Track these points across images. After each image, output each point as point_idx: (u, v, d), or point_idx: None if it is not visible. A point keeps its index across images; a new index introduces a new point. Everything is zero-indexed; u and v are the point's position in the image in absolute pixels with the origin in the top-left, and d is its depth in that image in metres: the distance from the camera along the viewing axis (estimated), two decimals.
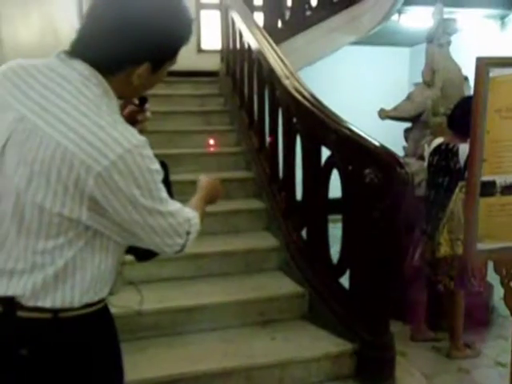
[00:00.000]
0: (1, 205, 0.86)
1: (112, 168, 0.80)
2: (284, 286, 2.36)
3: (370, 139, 1.89)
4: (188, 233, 0.97)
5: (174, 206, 0.94)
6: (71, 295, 0.87)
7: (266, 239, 2.66)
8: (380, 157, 1.83)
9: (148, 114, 1.11)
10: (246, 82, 3.40)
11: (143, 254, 1.07)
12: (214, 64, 4.40)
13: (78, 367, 0.90)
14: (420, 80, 3.39)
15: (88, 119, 0.81)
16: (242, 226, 2.76)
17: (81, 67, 0.86)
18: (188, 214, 0.99)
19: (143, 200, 0.85)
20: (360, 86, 6.16)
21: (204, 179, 1.25)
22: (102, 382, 0.95)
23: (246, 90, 3.40)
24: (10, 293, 0.86)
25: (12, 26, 2.34)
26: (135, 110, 1.08)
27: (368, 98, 5.64)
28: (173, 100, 3.80)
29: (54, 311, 0.86)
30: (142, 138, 0.86)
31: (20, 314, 0.86)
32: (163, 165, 1.12)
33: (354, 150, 1.96)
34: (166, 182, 1.13)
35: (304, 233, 2.40)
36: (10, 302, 0.86)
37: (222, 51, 4.35)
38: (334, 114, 2.10)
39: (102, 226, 0.87)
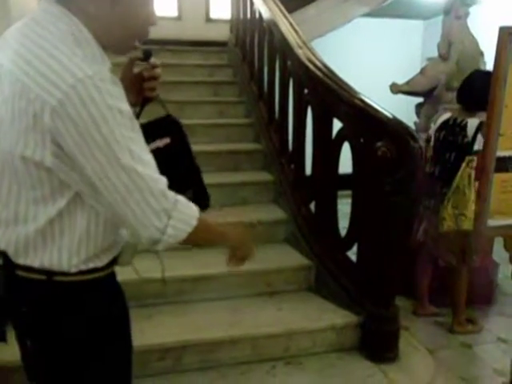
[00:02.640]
0: None
1: (65, 100, 0.74)
2: (291, 258, 2.37)
3: (383, 111, 1.86)
4: (169, 216, 0.83)
5: (152, 170, 0.82)
6: (58, 257, 0.86)
7: (274, 212, 2.66)
8: (393, 129, 1.80)
9: (158, 70, 1.05)
10: (256, 52, 3.33)
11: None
12: (222, 34, 4.31)
13: (72, 334, 0.90)
14: (434, 55, 3.31)
15: (44, 51, 0.77)
16: (250, 198, 2.75)
17: (52, 8, 0.82)
18: (176, 196, 0.86)
19: (103, 143, 0.76)
20: (371, 60, 6.03)
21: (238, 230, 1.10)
22: (98, 351, 0.93)
23: (256, 61, 3.33)
24: (1, 245, 0.88)
25: None
26: (144, 67, 1.03)
27: (379, 72, 5.52)
28: (181, 70, 3.74)
29: (48, 273, 0.86)
30: (101, 71, 0.78)
31: (19, 273, 0.87)
32: (177, 126, 1.08)
33: (366, 122, 1.93)
34: (185, 147, 1.09)
35: (312, 206, 2.39)
36: (7, 257, 0.88)
37: (231, 21, 4.24)
38: (347, 84, 2.05)
39: (74, 183, 0.82)
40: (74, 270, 0.87)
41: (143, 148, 0.82)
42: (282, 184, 2.69)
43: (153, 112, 1.09)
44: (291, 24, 2.58)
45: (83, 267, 0.88)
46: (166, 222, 0.83)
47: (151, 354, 1.81)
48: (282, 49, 2.66)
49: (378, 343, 1.98)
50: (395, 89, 3.36)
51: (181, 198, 0.86)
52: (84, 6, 0.82)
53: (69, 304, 0.89)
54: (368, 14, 4.61)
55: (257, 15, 3.21)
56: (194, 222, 0.87)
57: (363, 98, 1.94)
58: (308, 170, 2.47)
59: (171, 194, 0.85)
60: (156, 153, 1.00)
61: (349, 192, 2.12)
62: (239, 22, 3.89)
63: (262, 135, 3.09)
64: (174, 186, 1.04)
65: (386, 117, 1.85)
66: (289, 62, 2.58)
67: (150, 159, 0.83)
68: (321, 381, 1.85)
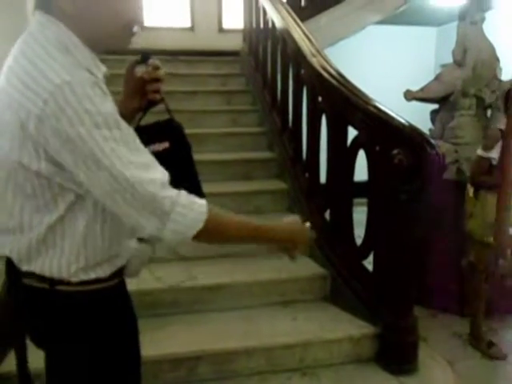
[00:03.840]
0: None
1: (46, 107, 0.73)
2: (306, 267, 2.34)
3: (399, 118, 1.83)
4: (164, 222, 0.80)
5: (142, 171, 0.79)
6: (58, 264, 0.85)
7: None
8: (410, 137, 1.77)
9: (162, 72, 1.02)
10: (269, 61, 3.33)
11: None
12: (235, 44, 4.34)
13: (76, 345, 0.89)
14: (447, 61, 3.27)
15: (27, 60, 0.77)
16: (264, 206, 2.73)
17: (41, 18, 0.82)
18: (178, 198, 0.81)
19: (83, 147, 0.74)
20: (384, 67, 6.01)
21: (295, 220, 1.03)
22: (103, 365, 0.91)
23: (269, 70, 3.34)
24: (6, 251, 0.88)
25: None
26: (145, 70, 1.01)
27: (392, 79, 5.50)
28: (194, 80, 3.77)
29: (50, 281, 0.86)
30: (80, 75, 0.76)
31: (24, 281, 0.88)
32: (179, 131, 1.06)
33: (382, 130, 1.90)
34: (188, 159, 1.07)
35: (327, 214, 2.37)
36: (12, 265, 0.88)
37: (244, 30, 4.27)
38: (361, 92, 2.04)
39: (77, 188, 0.81)
40: (74, 279, 0.86)
41: (134, 148, 0.80)
42: (296, 192, 2.67)
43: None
44: (304, 32, 2.58)
45: (84, 277, 0.87)
46: (167, 217, 0.80)
47: (163, 365, 1.79)
48: (295, 57, 2.66)
49: (396, 354, 1.94)
50: (410, 96, 3.33)
51: (182, 200, 0.82)
52: (62, 8, 0.81)
53: (71, 315, 0.88)
54: (381, 22, 4.59)
55: (270, 24, 3.22)
56: (200, 224, 0.83)
57: (378, 105, 1.92)
58: (322, 179, 2.45)
59: (168, 196, 0.80)
60: (155, 157, 1.00)
61: (363, 200, 2.10)
62: (252, 31, 3.91)
63: (275, 144, 3.09)
64: None
65: (402, 124, 1.82)
66: (302, 71, 2.57)
67: (142, 159, 0.80)
68: None
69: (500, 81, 3.03)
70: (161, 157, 0.96)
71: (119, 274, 0.94)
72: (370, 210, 2.03)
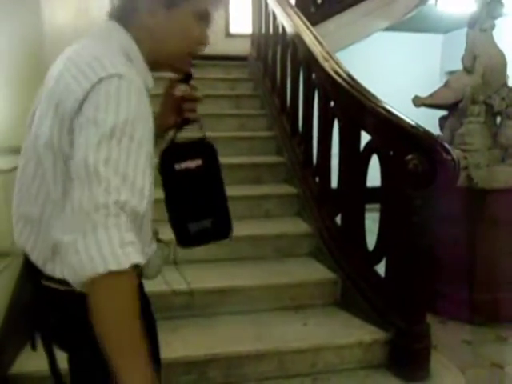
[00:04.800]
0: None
1: (89, 91, 0.74)
2: (316, 271, 2.34)
3: (413, 123, 1.83)
4: (84, 234, 0.66)
5: (120, 183, 0.68)
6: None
7: (298, 225, 2.64)
8: (425, 142, 1.77)
9: (198, 94, 1.05)
10: (278, 66, 3.34)
11: (186, 238, 1.02)
12: (242, 48, 4.35)
13: (97, 346, 0.86)
14: (453, 69, 3.27)
15: (91, 55, 0.79)
16: (273, 210, 2.73)
17: (107, 24, 0.87)
18: (124, 236, 0.67)
19: (95, 134, 0.70)
20: (390, 73, 6.02)
21: None
22: None
23: (278, 75, 3.35)
24: (20, 242, 0.87)
25: (51, 7, 2.35)
26: (185, 89, 1.04)
27: (398, 86, 5.50)
28: (203, 83, 3.76)
29: (68, 283, 0.83)
30: (133, 76, 0.77)
31: (44, 282, 0.86)
32: (211, 150, 1.07)
33: (396, 135, 1.90)
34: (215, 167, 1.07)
35: (338, 219, 2.36)
36: (32, 264, 0.86)
37: (252, 35, 4.28)
38: (374, 96, 2.04)
39: None
40: None
41: (134, 165, 0.71)
42: (306, 197, 2.67)
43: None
44: (316, 37, 2.59)
45: None
46: (74, 237, 0.66)
47: (176, 368, 1.78)
48: (306, 61, 2.67)
49: (408, 361, 1.93)
50: (418, 102, 3.32)
51: (122, 232, 0.67)
52: (143, 20, 0.85)
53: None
54: (387, 28, 4.61)
55: (280, 29, 3.23)
56: (102, 269, 0.64)
57: (392, 110, 1.92)
58: (333, 184, 2.45)
59: (109, 213, 0.66)
60: (185, 174, 0.99)
61: (372, 206, 2.10)
62: (261, 36, 3.92)
63: (284, 148, 3.09)
64: (195, 210, 1.02)
65: (417, 129, 1.82)
66: (313, 75, 2.58)
67: (133, 179, 0.70)
68: None
69: (510, 88, 3.03)
70: (193, 174, 0.99)
71: (138, 275, 0.93)
72: (383, 215, 2.03)
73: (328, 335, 2.00)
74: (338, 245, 2.29)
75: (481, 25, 2.96)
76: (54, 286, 0.84)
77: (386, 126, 1.94)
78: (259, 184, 2.94)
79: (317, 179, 2.59)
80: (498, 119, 3.10)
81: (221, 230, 1.07)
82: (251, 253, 2.42)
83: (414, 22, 5.00)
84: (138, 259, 0.67)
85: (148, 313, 0.98)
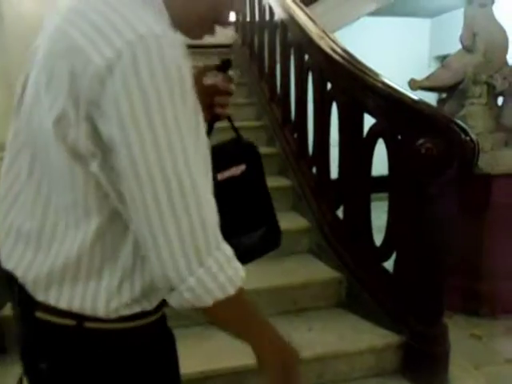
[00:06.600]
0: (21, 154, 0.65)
1: (115, 61, 0.52)
2: (318, 270, 2.14)
3: (426, 103, 1.64)
4: (201, 263, 0.57)
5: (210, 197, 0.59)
6: (94, 294, 0.62)
7: (295, 220, 2.44)
8: (440, 123, 1.58)
9: (232, 86, 0.88)
10: (266, 50, 3.13)
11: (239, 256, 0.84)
12: (226, 35, 4.12)
13: None
14: (441, 53, 3.10)
15: (109, 6, 0.57)
16: None
17: None
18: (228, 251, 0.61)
19: (161, 130, 0.53)
20: (378, 59, 5.79)
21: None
22: None
23: (266, 60, 3.14)
24: (9, 265, 0.65)
25: None
26: (220, 78, 0.86)
27: (386, 71, 5.29)
28: None
29: (78, 318, 0.62)
30: (176, 37, 0.58)
31: (38, 314, 0.63)
32: (253, 150, 0.92)
33: (404, 116, 1.71)
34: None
35: (339, 212, 2.17)
36: (24, 291, 0.64)
37: (236, 20, 4.06)
38: (377, 74, 1.84)
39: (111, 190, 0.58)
40: (113, 315, 0.63)
41: (202, 167, 0.60)
42: (302, 189, 2.47)
43: None
44: (308, 15, 2.38)
45: (126, 312, 0.64)
46: (204, 268, 0.57)
47: None
48: (298, 42, 2.45)
49: (425, 366, 1.75)
50: (414, 85, 3.15)
51: (230, 254, 0.61)
52: None
53: (101, 360, 0.65)
54: (374, 13, 4.46)
55: (267, 11, 3.02)
56: (231, 290, 0.60)
57: (401, 89, 1.73)
58: (332, 174, 2.26)
59: (222, 241, 0.60)
60: (230, 183, 0.83)
61: (376, 196, 1.92)
62: (245, 21, 3.70)
63: (276, 138, 2.88)
64: (247, 221, 0.88)
65: (428, 108, 1.63)
66: (306, 56, 2.37)
67: (206, 185, 0.60)
68: None
69: (511, 66, 2.87)
70: (238, 182, 0.85)
71: (164, 303, 0.70)
72: (392, 207, 1.84)
73: (336, 341, 1.81)
74: (341, 240, 2.10)
75: (480, 0, 2.78)
76: (52, 319, 0.63)
77: (392, 106, 1.74)
78: None
79: (314, 170, 2.39)
80: (500, 100, 2.94)
81: (272, 237, 0.96)
82: None
83: (402, 5, 4.87)
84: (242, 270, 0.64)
85: (173, 350, 0.79)
